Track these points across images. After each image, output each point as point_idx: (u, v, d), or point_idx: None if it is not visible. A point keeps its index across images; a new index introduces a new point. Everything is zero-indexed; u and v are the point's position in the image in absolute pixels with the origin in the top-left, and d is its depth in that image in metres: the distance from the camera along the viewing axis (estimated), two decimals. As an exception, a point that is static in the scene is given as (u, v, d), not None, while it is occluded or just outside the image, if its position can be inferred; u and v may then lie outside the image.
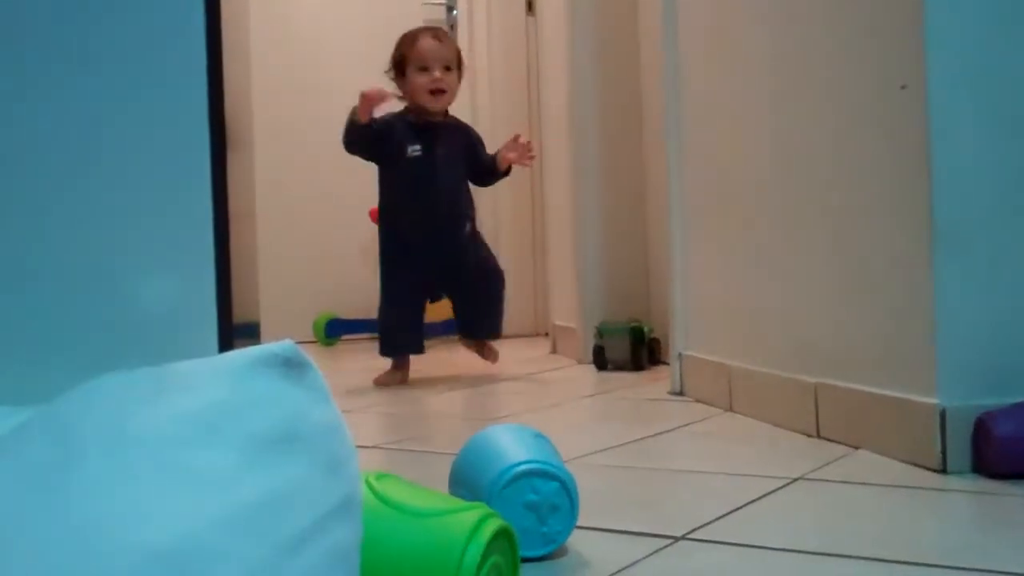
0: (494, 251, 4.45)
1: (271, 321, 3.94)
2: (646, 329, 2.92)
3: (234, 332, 0.92)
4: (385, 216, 2.94)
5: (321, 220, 4.09)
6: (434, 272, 2.91)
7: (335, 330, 4.00)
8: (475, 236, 2.97)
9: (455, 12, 4.28)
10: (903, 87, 1.55)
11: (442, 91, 2.83)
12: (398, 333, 2.92)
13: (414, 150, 2.82)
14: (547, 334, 3.73)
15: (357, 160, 4.18)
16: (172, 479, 0.54)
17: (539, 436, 1.19)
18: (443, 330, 3.88)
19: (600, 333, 2.98)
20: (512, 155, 2.90)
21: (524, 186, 4.16)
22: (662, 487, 1.48)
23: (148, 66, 0.95)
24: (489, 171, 2.94)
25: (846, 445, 1.67)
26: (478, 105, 4.24)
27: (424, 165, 2.83)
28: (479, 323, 3.00)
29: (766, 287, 1.80)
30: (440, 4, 4.28)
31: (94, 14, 0.94)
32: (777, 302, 1.66)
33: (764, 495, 1.38)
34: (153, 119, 0.95)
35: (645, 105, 3.12)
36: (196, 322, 0.91)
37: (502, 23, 4.16)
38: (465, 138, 2.94)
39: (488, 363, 3.01)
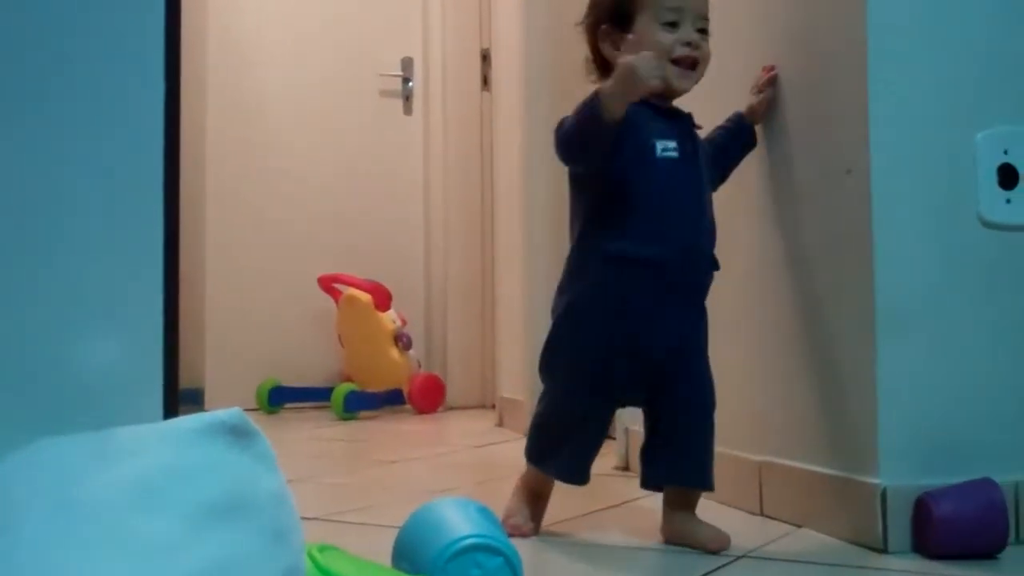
0: (441, 318, 4.42)
1: (214, 387, 3.89)
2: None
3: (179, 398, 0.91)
4: (593, 258, 1.67)
5: (266, 285, 4.07)
6: (653, 357, 1.64)
7: (278, 398, 3.96)
8: (705, 302, 1.71)
9: (411, 84, 4.32)
10: (848, 172, 1.59)
11: (695, 62, 1.66)
12: (567, 450, 1.70)
13: (667, 149, 1.65)
14: (494, 406, 3.72)
15: (305, 222, 4.20)
16: (116, 546, 0.54)
17: (484, 510, 1.18)
18: (383, 401, 3.87)
19: (547, 406, 2.97)
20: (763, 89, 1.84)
21: (474, 255, 4.18)
22: (606, 563, 1.48)
23: (101, 126, 0.95)
24: (735, 146, 1.84)
25: (789, 523, 1.68)
26: (430, 179, 4.27)
27: (681, 175, 1.65)
28: (685, 460, 1.66)
29: (713, 365, 1.81)
30: (396, 75, 4.32)
31: (43, 89, 0.94)
32: (723, 380, 1.68)
33: (708, 572, 1.38)
34: (105, 181, 0.94)
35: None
36: (141, 387, 0.90)
37: (457, 97, 4.20)
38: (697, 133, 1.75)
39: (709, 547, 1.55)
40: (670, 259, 1.61)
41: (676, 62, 1.65)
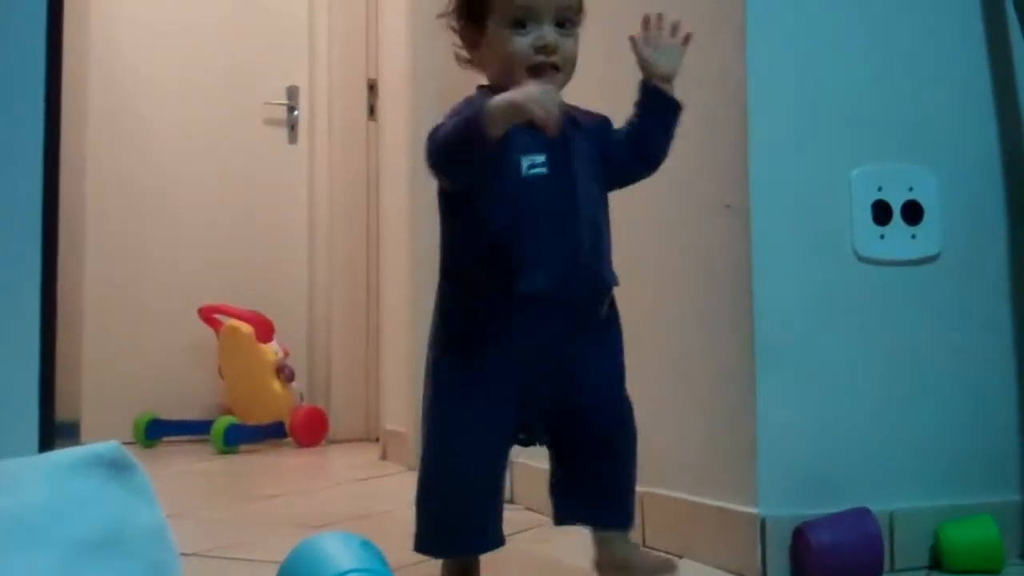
0: (325, 350, 4.37)
1: (91, 420, 3.76)
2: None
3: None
4: (461, 285, 1.53)
5: (146, 315, 3.97)
6: (541, 396, 1.48)
7: (156, 431, 3.86)
8: (610, 325, 1.55)
9: (296, 113, 4.28)
10: (727, 207, 1.62)
11: (553, 68, 1.46)
12: (465, 513, 1.48)
13: (535, 165, 1.46)
14: (377, 439, 3.69)
15: (187, 251, 4.12)
16: (-13, 586, 0.51)
17: (367, 544, 1.17)
18: (264, 435, 3.80)
19: (432, 438, 2.95)
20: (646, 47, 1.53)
21: (359, 286, 4.14)
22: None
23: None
24: (637, 136, 1.55)
25: (671, 554, 1.69)
26: (315, 208, 4.23)
27: (552, 191, 1.46)
28: (606, 498, 1.51)
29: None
30: (282, 104, 4.28)
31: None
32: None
33: (592, 604, 1.38)
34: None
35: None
36: (16, 419, 0.87)
37: (343, 126, 4.18)
38: (595, 135, 1.55)
39: None
40: (547, 292, 1.42)
41: (532, 72, 1.45)
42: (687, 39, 1.50)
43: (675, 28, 1.51)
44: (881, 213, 1.65)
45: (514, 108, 1.35)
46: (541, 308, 1.43)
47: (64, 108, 0.92)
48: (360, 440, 4.05)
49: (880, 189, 1.65)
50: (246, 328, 3.84)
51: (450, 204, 1.53)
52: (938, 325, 1.68)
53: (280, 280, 4.19)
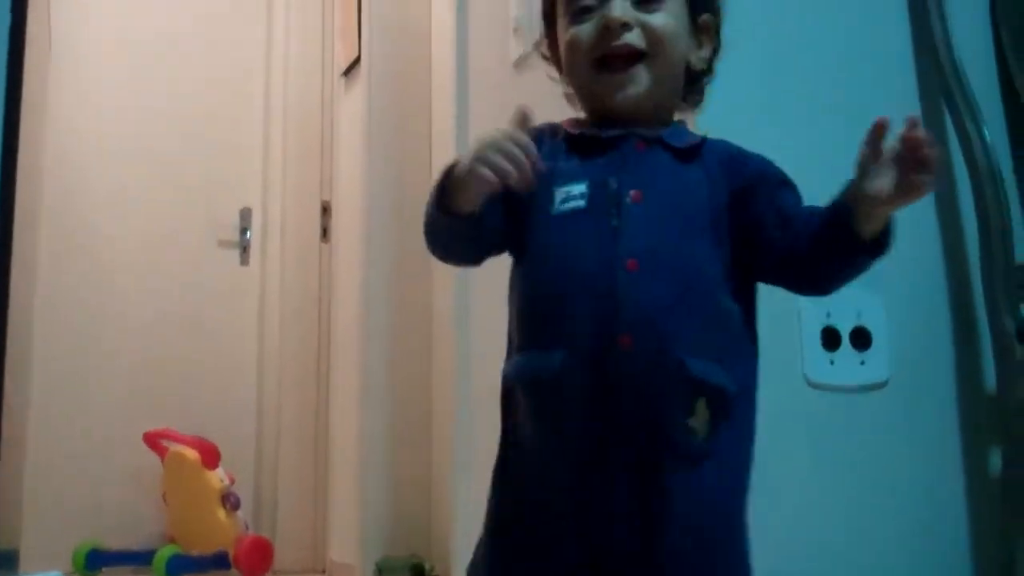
0: (272, 477, 4.28)
1: (30, 549, 3.63)
2: (427, 567, 2.86)
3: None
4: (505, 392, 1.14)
5: (88, 440, 3.87)
6: (614, 541, 1.04)
7: (96, 561, 3.73)
8: (717, 445, 1.07)
9: (249, 234, 4.28)
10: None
11: (628, 55, 1.12)
12: None
13: (570, 198, 1.11)
14: (323, 571, 3.60)
15: (132, 374, 4.04)
16: None
17: None
18: (208, 565, 3.70)
19: (379, 570, 2.89)
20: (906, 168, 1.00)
21: (308, 413, 4.09)
22: None
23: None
24: (825, 241, 1.08)
25: None
26: (265, 331, 4.19)
27: (589, 231, 1.10)
28: None
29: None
30: (234, 226, 4.27)
31: None
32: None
33: None
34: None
35: (435, 334, 3.16)
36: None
37: (296, 248, 4.17)
38: (715, 165, 1.15)
39: None
40: (570, 379, 1.03)
41: (602, 64, 1.12)
42: (924, 162, 0.98)
43: (923, 145, 0.98)
44: (830, 339, 1.66)
45: (465, 177, 1.03)
46: (580, 407, 1.04)
47: (16, 226, 0.91)
48: (306, 572, 3.95)
49: (828, 315, 1.67)
50: (192, 454, 3.76)
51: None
52: (888, 450, 1.68)
53: (228, 404, 4.12)
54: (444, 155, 2.81)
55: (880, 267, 1.68)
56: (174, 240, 4.13)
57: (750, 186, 1.13)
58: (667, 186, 1.12)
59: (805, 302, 1.65)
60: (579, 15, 1.14)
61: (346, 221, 3.65)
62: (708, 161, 1.14)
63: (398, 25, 3.27)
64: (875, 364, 1.69)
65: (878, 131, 1.00)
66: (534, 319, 1.11)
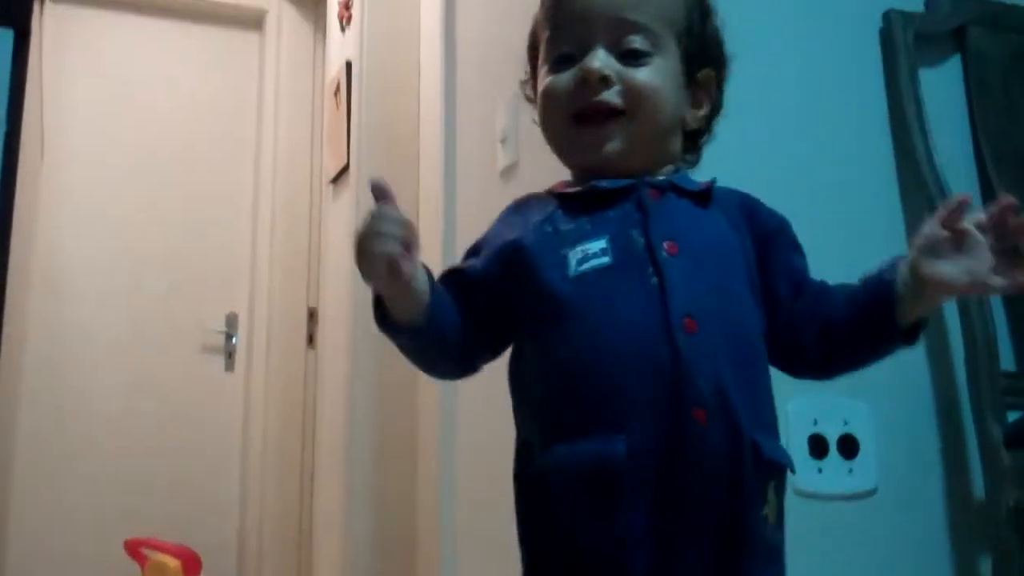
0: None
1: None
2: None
3: None
4: (529, 479, 0.98)
5: (68, 551, 3.80)
6: None
7: (71, 673, 3.64)
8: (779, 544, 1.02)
9: (235, 340, 4.27)
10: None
11: (608, 112, 1.02)
12: None
13: (590, 256, 0.97)
14: None
15: (113, 481, 3.99)
16: None
17: None
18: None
19: None
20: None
21: (291, 519, 4.03)
22: None
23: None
24: (862, 328, 0.98)
25: None
26: (249, 438, 4.16)
27: (623, 288, 0.96)
28: None
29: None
30: (221, 332, 4.27)
31: None
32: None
33: None
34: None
35: (421, 443, 3.14)
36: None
37: (282, 354, 4.16)
38: (735, 214, 1.05)
39: None
40: (646, 458, 0.88)
41: (578, 119, 1.01)
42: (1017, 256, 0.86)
43: (1004, 215, 0.86)
44: (817, 447, 1.66)
45: (372, 286, 0.94)
46: (648, 500, 0.88)
47: (4, 328, 0.91)
48: None
49: (816, 423, 1.67)
50: (173, 564, 3.69)
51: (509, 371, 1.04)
52: (875, 559, 1.67)
53: (210, 511, 4.07)
54: (431, 263, 2.82)
55: (867, 374, 1.69)
56: (159, 345, 4.12)
57: (768, 240, 1.03)
58: (699, 234, 0.99)
59: (792, 409, 1.65)
60: (559, 63, 1.04)
61: (332, 327, 3.65)
62: (726, 206, 1.04)
63: (387, 134, 3.32)
64: (863, 472, 1.68)
65: (959, 209, 0.88)
66: (578, 400, 0.92)
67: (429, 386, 2.97)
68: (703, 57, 1.08)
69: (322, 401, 3.73)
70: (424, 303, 0.94)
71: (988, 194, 1.87)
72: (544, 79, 1.05)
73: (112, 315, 4.06)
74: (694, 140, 1.11)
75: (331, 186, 3.68)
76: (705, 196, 1.04)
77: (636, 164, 1.03)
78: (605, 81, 1.01)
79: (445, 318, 0.98)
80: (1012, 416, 1.70)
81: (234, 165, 4.32)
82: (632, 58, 1.02)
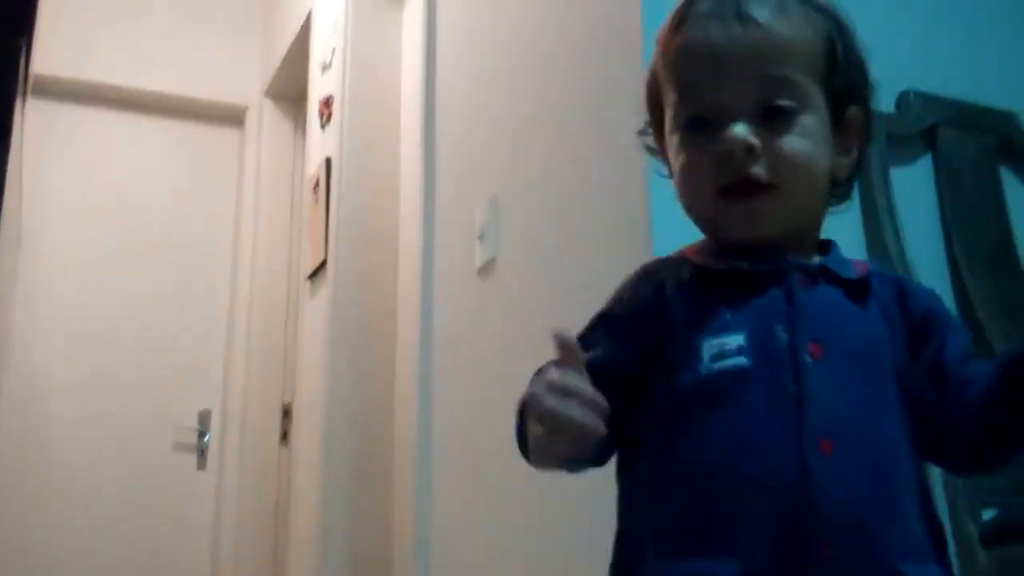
0: None
1: None
2: None
3: None
4: None
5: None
6: None
7: None
8: None
9: (207, 437, 4.21)
10: None
11: (752, 184, 0.91)
12: None
13: (724, 353, 0.88)
14: None
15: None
16: None
17: None
18: None
19: None
20: None
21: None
22: None
23: None
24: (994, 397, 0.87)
25: None
26: (221, 537, 4.07)
27: (757, 399, 0.87)
28: None
29: None
30: (192, 428, 4.21)
31: None
32: None
33: None
34: None
35: (395, 545, 3.09)
36: None
37: (255, 451, 4.10)
38: (888, 308, 0.95)
39: None
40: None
41: (724, 196, 0.92)
42: None
43: None
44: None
45: (534, 438, 0.85)
46: None
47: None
48: None
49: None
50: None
51: (622, 466, 0.96)
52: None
53: (179, 612, 3.98)
54: (408, 360, 2.81)
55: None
56: (130, 442, 4.06)
57: (919, 329, 0.93)
58: (850, 334, 0.90)
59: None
60: (693, 129, 0.94)
61: (306, 424, 3.61)
62: (881, 295, 0.94)
63: (366, 231, 3.33)
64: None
65: None
66: (694, 514, 0.86)
67: (404, 487, 2.93)
68: (849, 93, 0.98)
69: (295, 500, 3.67)
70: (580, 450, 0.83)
71: (959, 291, 1.89)
72: (679, 151, 0.95)
73: (83, 410, 4.01)
74: (841, 185, 1.02)
75: (308, 282, 3.68)
76: (862, 287, 0.94)
77: (791, 238, 0.95)
78: (751, 152, 0.91)
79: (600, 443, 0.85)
80: (987, 514, 1.68)
81: (212, 260, 4.32)
82: (777, 119, 0.92)
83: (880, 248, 1.84)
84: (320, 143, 3.63)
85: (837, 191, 1.01)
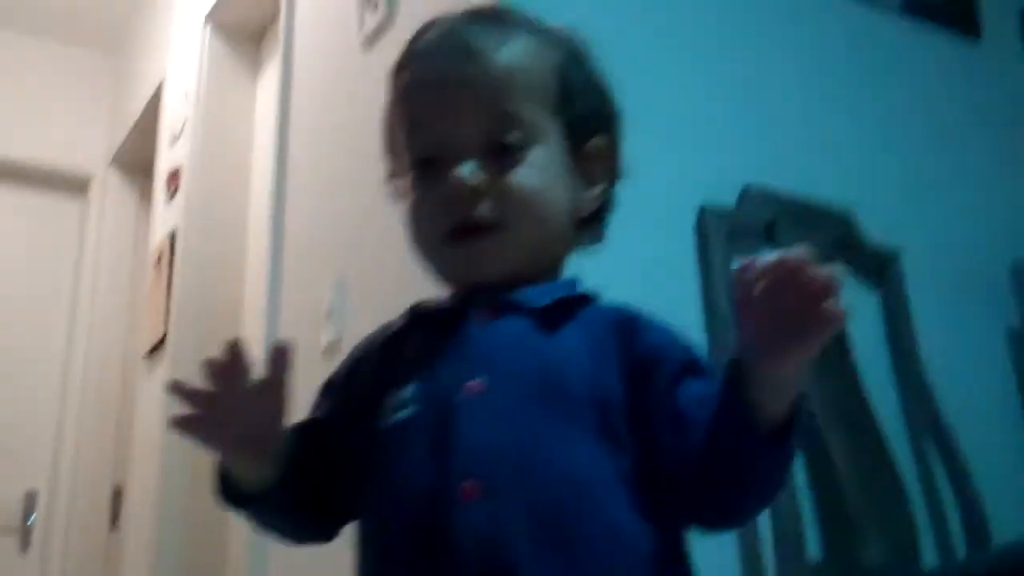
0: None
1: None
2: None
3: None
4: None
5: None
6: None
7: None
8: None
9: (32, 518, 3.98)
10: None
11: (472, 227, 0.88)
12: None
13: (400, 404, 0.86)
14: None
15: None
16: None
17: None
18: None
19: None
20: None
21: None
22: None
23: None
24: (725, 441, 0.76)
25: None
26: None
27: (421, 444, 0.83)
28: None
29: None
30: (17, 509, 3.98)
31: None
32: None
33: None
34: None
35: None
36: None
37: (82, 535, 3.89)
38: (598, 336, 0.87)
39: None
40: None
41: (450, 240, 0.89)
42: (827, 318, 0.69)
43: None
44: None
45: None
46: None
47: None
48: None
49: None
50: None
51: None
52: None
53: None
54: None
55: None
56: None
57: (647, 369, 0.83)
58: (524, 366, 0.83)
59: None
60: (420, 170, 0.90)
61: (138, 508, 3.46)
62: (590, 325, 0.86)
63: (208, 306, 3.23)
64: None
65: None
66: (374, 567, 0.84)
67: (237, 574, 2.82)
68: (590, 121, 0.94)
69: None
70: (273, 467, 0.83)
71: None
72: (408, 194, 0.92)
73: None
74: (592, 220, 0.96)
75: (145, 360, 3.54)
76: (557, 313, 0.86)
77: (525, 278, 0.89)
78: (475, 192, 0.86)
79: (296, 477, 0.86)
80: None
81: (45, 333, 4.14)
82: (505, 156, 0.88)
83: (722, 342, 1.86)
84: (165, 216, 3.54)
85: (587, 228, 0.96)
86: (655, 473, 0.80)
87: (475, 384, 0.82)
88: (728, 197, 1.99)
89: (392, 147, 0.97)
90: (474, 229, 0.87)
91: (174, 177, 3.48)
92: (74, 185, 4.27)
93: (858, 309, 2.00)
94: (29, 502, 4.01)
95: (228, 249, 3.27)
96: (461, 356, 0.85)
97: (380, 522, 0.83)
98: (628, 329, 0.86)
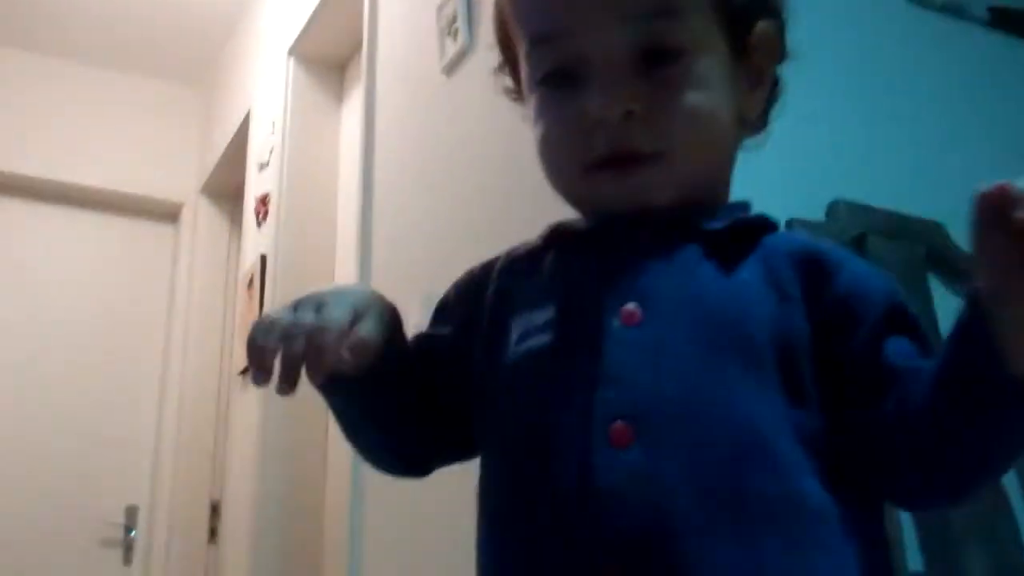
0: None
1: None
2: None
3: None
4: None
5: None
6: None
7: None
8: None
9: (133, 533, 4.13)
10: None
11: (624, 161, 0.71)
12: None
13: (530, 332, 0.72)
14: None
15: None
16: None
17: None
18: None
19: None
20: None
21: None
22: None
23: None
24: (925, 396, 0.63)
25: None
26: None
27: (560, 374, 0.70)
28: None
29: None
30: (119, 524, 4.13)
31: None
32: None
33: None
34: None
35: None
36: None
37: (182, 549, 4.01)
38: (778, 272, 0.71)
39: None
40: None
41: (593, 172, 0.73)
42: None
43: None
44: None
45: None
46: None
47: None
48: None
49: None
50: None
51: None
52: None
53: None
54: (340, 457, 2.80)
55: None
56: (55, 537, 3.97)
57: (837, 313, 0.69)
58: (690, 296, 0.69)
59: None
60: (554, 84, 0.73)
61: (235, 522, 3.57)
62: (774, 262, 0.71)
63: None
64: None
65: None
66: (491, 539, 0.71)
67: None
68: (753, 7, 0.77)
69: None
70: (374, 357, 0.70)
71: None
72: (537, 116, 0.75)
73: (9, 500, 3.92)
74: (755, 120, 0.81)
75: (240, 377, 3.67)
76: (734, 241, 0.72)
77: (692, 200, 0.75)
78: (629, 117, 0.70)
79: (397, 380, 0.74)
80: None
81: (143, 354, 4.28)
82: (662, 67, 0.71)
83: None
84: (255, 240, 3.66)
85: (750, 127, 0.81)
86: (848, 437, 0.67)
87: (631, 311, 0.68)
88: (816, 213, 1.98)
89: (506, 45, 0.81)
90: (631, 159, 0.71)
91: (263, 203, 3.60)
92: (167, 212, 4.44)
93: (950, 318, 1.99)
94: (130, 517, 4.16)
95: (317, 270, 3.38)
96: (615, 281, 0.70)
97: (505, 463, 0.71)
98: (818, 268, 0.72)
